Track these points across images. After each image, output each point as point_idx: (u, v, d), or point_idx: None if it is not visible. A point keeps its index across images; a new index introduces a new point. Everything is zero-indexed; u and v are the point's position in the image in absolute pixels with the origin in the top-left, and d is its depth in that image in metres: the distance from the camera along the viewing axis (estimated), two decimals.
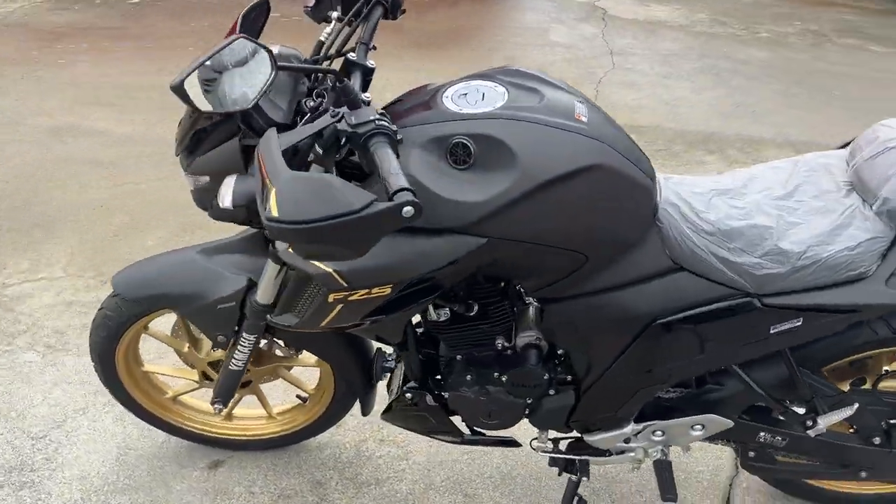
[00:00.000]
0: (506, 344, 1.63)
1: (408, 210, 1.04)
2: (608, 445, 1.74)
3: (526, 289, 1.54)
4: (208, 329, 1.72)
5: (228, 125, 1.38)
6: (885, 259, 1.38)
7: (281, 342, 1.87)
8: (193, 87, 1.16)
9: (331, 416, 2.01)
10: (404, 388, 1.74)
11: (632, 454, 1.75)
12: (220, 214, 1.53)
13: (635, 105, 5.13)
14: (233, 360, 1.76)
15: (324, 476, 2.06)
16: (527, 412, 1.71)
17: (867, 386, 1.70)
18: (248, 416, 2.10)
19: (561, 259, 1.41)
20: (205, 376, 1.93)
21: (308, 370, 2.02)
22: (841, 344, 1.59)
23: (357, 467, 2.09)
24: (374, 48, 1.53)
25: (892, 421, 1.67)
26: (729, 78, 5.79)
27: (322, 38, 1.53)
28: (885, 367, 1.70)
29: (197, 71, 1.16)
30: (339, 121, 1.20)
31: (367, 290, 1.38)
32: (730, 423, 1.65)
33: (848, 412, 1.58)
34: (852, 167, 1.48)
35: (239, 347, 1.73)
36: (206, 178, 1.45)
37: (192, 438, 2.09)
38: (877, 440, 1.68)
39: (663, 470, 1.72)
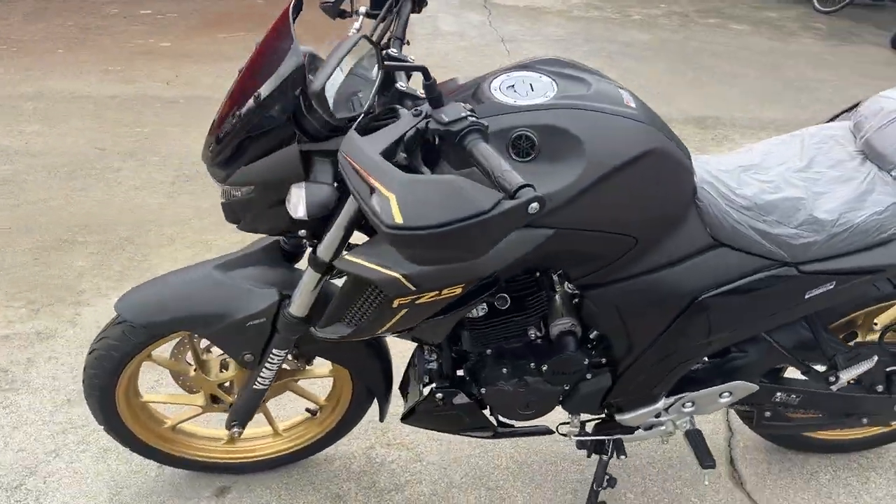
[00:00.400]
0: (538, 334, 1.64)
1: (534, 206, 1.01)
2: (640, 422, 1.78)
3: (571, 276, 1.55)
4: (235, 349, 1.62)
5: (280, 131, 1.30)
6: None
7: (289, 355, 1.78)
8: (330, 91, 1.07)
9: (343, 426, 1.94)
10: (434, 389, 1.70)
11: (661, 428, 1.81)
12: (256, 226, 1.44)
13: None
14: (258, 379, 1.66)
15: (341, 489, 1.99)
16: (561, 399, 1.73)
17: (860, 339, 1.84)
18: (253, 435, 1.99)
19: (613, 244, 1.42)
20: (213, 399, 1.81)
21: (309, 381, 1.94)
22: (848, 302, 1.71)
23: (372, 475, 2.03)
24: (408, 42, 1.48)
25: (892, 369, 1.81)
26: (620, 60, 6.04)
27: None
28: (879, 321, 1.84)
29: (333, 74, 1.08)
30: (425, 119, 1.16)
31: (436, 293, 1.34)
32: (755, 388, 1.74)
33: (868, 364, 1.71)
34: (861, 138, 1.58)
35: (267, 365, 1.63)
36: (249, 189, 1.35)
37: (193, 467, 1.96)
38: (879, 388, 1.82)
39: (696, 439, 1.78)
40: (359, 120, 1.28)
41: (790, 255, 1.49)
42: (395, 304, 1.35)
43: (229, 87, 1.40)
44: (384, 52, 1.40)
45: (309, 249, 1.51)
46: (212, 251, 3.01)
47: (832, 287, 1.53)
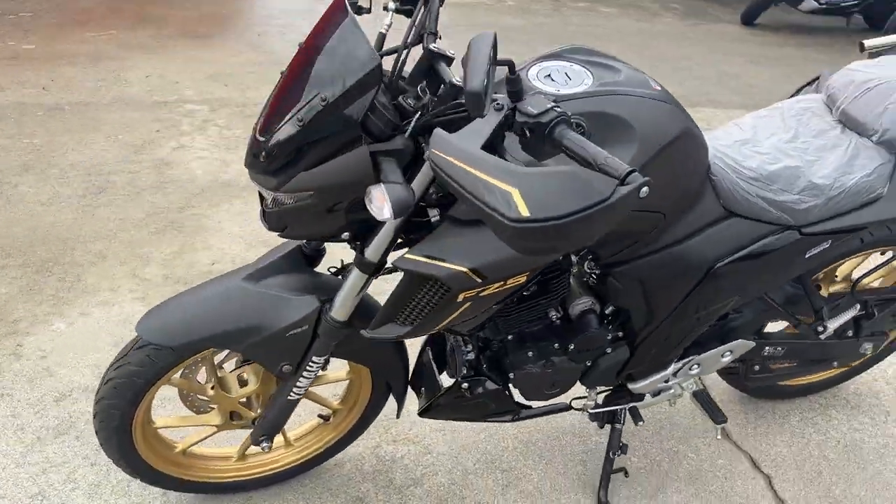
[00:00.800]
0: (558, 314, 1.70)
1: (644, 190, 1.06)
2: (650, 389, 1.88)
3: (601, 256, 1.61)
4: (273, 361, 1.56)
5: (344, 134, 1.26)
6: (891, 180, 1.66)
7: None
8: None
9: (359, 428, 1.92)
10: (460, 379, 1.73)
11: (670, 392, 1.92)
12: (304, 232, 1.40)
13: None
14: (294, 389, 1.61)
15: (359, 490, 1.96)
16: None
17: (836, 289, 2.04)
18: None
19: (646, 221, 1.50)
20: (231, 417, 1.74)
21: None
22: (834, 258, 1.88)
23: (387, 473, 2.02)
24: (440, 37, 1.48)
25: (859, 315, 2.01)
26: (506, 45, 6.18)
27: (382, 31, 1.44)
28: (840, 273, 2.05)
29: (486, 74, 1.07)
30: (511, 112, 1.17)
31: (501, 283, 1.36)
32: (752, 344, 1.88)
33: (852, 313, 1.89)
34: (838, 109, 1.75)
35: (304, 374, 1.59)
36: (305, 195, 1.30)
37: (205, 490, 1.87)
38: (849, 333, 2.02)
39: (704, 398, 1.91)
40: (423, 118, 1.28)
41: (794, 220, 1.63)
42: (460, 297, 1.36)
43: (272, 91, 1.35)
44: (431, 48, 1.39)
45: (323, 254, 1.48)
46: (152, 265, 2.85)
47: (828, 245, 1.69)
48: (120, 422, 1.59)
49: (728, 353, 1.87)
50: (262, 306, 1.50)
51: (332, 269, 1.67)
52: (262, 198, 1.45)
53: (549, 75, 1.42)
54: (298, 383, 1.60)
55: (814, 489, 2.04)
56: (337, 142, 1.26)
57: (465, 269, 1.31)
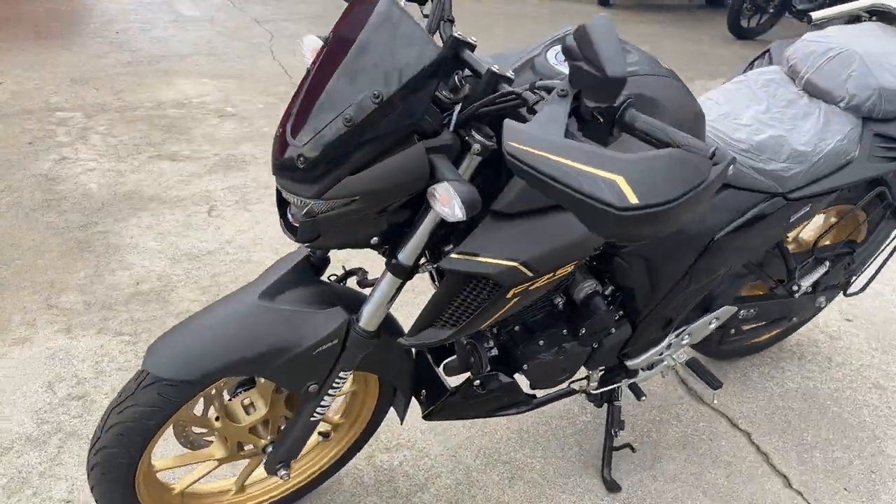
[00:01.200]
0: (562, 300, 1.69)
1: (731, 168, 1.06)
2: (647, 363, 1.92)
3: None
4: (299, 381, 1.44)
5: (398, 133, 1.17)
6: (860, 143, 1.77)
7: None
8: None
9: (362, 440, 1.83)
10: (471, 377, 1.68)
11: (663, 364, 1.96)
12: (340, 241, 1.30)
13: None
14: (318, 408, 1.50)
15: (356, 501, 1.87)
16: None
17: (795, 249, 2.16)
18: (261, 477, 1.78)
19: None
20: (239, 447, 1.60)
21: None
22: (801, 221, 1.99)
23: (389, 483, 1.93)
24: (453, 21, 1.41)
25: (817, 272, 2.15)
26: None
27: None
28: (791, 235, 2.17)
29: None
30: (577, 97, 1.13)
31: (551, 275, 1.33)
32: (734, 309, 1.96)
33: (823, 270, 2.01)
34: (802, 79, 1.84)
35: (330, 391, 1.48)
36: (347, 201, 1.20)
37: None
38: (809, 290, 2.15)
39: (697, 367, 1.97)
40: (466, 110, 1.21)
41: (781, 187, 1.70)
42: (510, 294, 1.32)
43: (298, 91, 1.23)
44: (455, 35, 1.32)
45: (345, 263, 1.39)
46: (68, 292, 2.57)
47: (808, 209, 1.78)
48: (125, 471, 1.41)
49: (715, 320, 1.94)
50: (284, 325, 1.38)
51: (333, 277, 1.57)
52: (281, 206, 1.33)
53: None
54: (323, 402, 1.49)
55: (789, 438, 2.16)
56: (388, 141, 1.17)
57: (516, 265, 1.27)
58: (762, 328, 2.22)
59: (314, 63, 1.24)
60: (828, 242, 2.15)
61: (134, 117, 4.13)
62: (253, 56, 5.31)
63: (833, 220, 2.17)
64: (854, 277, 2.26)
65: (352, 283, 1.57)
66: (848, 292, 2.27)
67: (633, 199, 0.97)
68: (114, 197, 3.25)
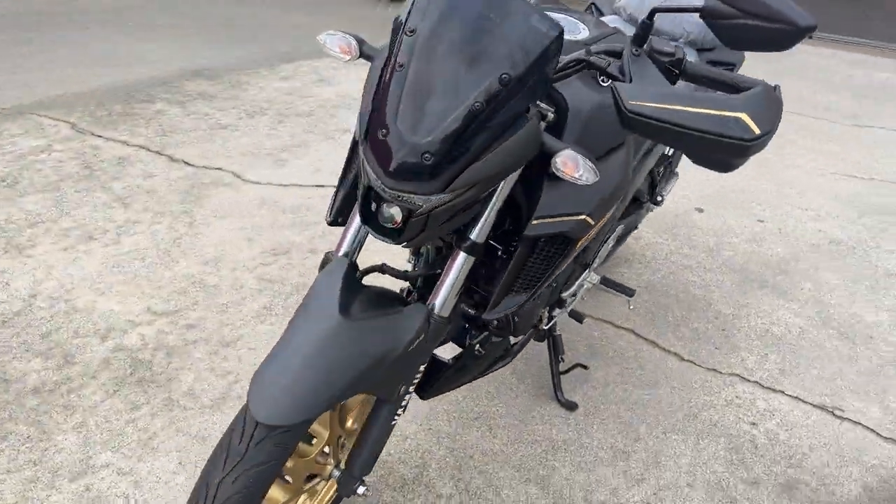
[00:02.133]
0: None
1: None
2: (576, 291, 2.15)
3: None
4: (393, 387, 1.38)
5: (517, 113, 1.19)
6: None
7: None
8: None
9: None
10: (470, 343, 1.77)
11: (584, 287, 2.22)
12: (441, 233, 1.29)
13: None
14: (400, 409, 1.47)
15: (383, 500, 1.85)
16: None
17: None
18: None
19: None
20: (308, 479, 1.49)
21: None
22: None
23: (392, 474, 1.92)
24: None
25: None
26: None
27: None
28: None
29: None
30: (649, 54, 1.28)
31: (602, 218, 1.48)
32: (622, 224, 2.29)
33: (676, 180, 2.41)
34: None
35: (411, 388, 1.46)
36: (464, 189, 1.19)
37: None
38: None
39: (611, 281, 2.26)
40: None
41: None
42: (578, 244, 1.45)
43: (388, 85, 1.16)
44: None
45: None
46: None
47: None
48: None
49: (613, 238, 2.25)
50: (378, 333, 1.32)
51: (359, 274, 1.52)
52: (371, 209, 1.25)
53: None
54: (404, 401, 1.47)
55: (660, 324, 2.60)
56: (505, 122, 1.19)
57: (584, 217, 1.40)
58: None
59: (393, 59, 1.18)
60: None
61: None
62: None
63: None
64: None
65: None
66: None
67: (757, 130, 1.17)
68: None
